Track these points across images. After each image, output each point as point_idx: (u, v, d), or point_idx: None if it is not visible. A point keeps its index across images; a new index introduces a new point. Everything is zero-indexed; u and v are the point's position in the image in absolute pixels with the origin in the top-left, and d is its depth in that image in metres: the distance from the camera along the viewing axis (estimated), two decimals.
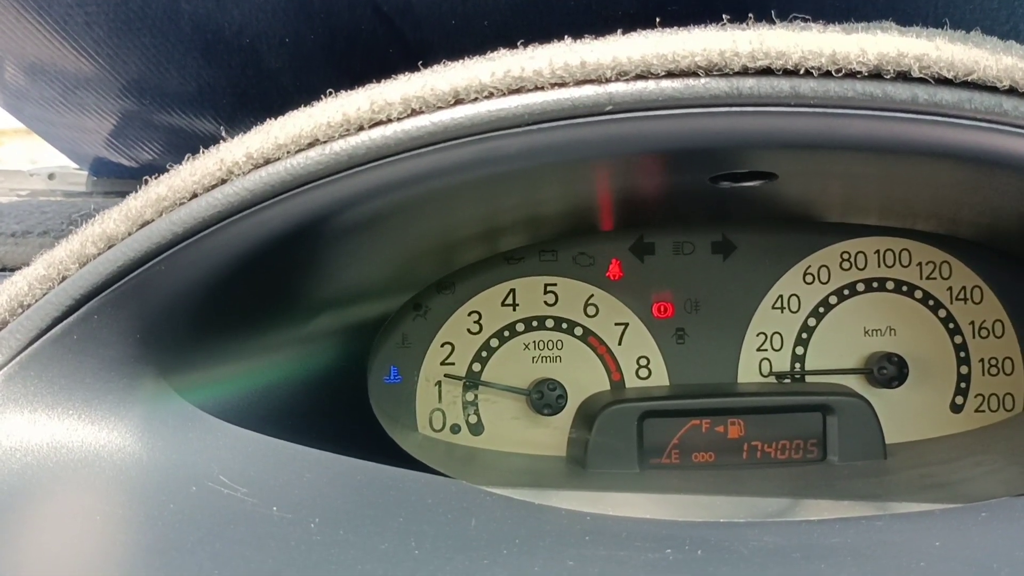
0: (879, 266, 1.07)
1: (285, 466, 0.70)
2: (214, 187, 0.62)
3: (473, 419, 1.07)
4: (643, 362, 1.07)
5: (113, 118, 1.26)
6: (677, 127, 0.61)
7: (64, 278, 0.63)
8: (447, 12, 0.96)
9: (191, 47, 1.06)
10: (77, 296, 0.63)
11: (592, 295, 1.07)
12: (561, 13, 0.95)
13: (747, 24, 0.63)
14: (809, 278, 1.07)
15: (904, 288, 1.07)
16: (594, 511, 0.73)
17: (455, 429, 1.07)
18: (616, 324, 1.07)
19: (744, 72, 0.59)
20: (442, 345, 1.07)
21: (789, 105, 0.60)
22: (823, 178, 0.84)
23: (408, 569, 0.57)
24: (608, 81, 0.60)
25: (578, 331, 1.07)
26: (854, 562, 0.60)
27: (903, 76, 0.59)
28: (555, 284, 1.07)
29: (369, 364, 1.05)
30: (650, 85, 0.59)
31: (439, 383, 1.07)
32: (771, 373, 1.07)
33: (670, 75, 0.59)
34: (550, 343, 1.07)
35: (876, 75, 0.59)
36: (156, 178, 0.66)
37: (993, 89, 0.59)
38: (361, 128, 0.61)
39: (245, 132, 0.66)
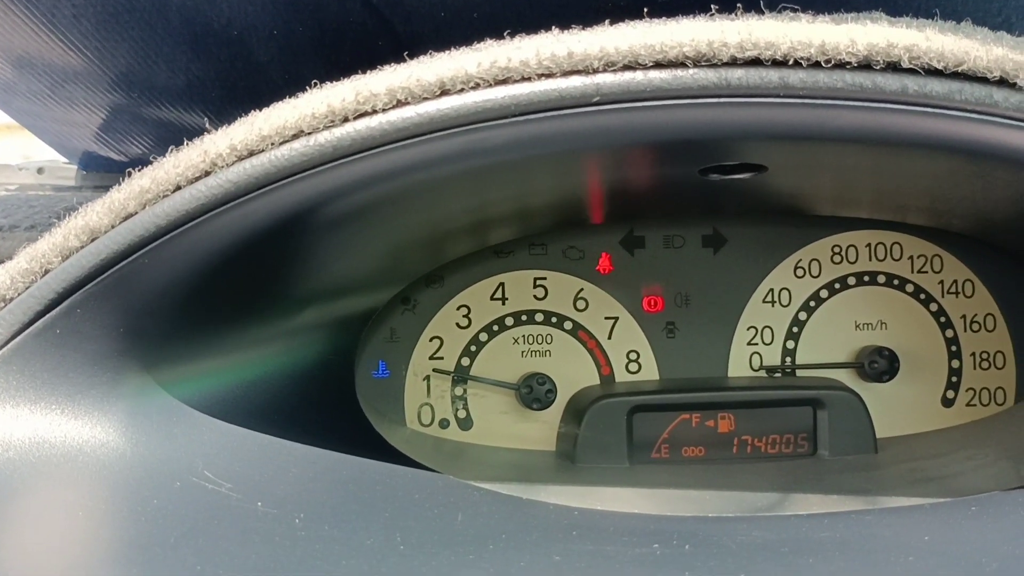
0: (870, 260, 1.07)
1: (270, 461, 0.70)
2: (198, 179, 0.62)
3: (462, 414, 1.07)
4: (633, 356, 1.07)
5: (102, 112, 1.25)
6: (665, 118, 0.61)
7: (47, 271, 0.63)
8: (437, 4, 0.96)
9: (180, 40, 1.06)
10: (60, 290, 0.62)
11: (582, 289, 1.07)
12: (552, 5, 0.94)
13: (736, 14, 0.63)
14: (800, 272, 1.07)
15: (895, 282, 1.07)
16: (583, 506, 0.73)
17: (444, 424, 1.07)
18: (606, 318, 1.07)
19: (732, 63, 0.59)
20: (431, 339, 1.06)
21: (778, 96, 0.59)
22: (813, 170, 0.84)
23: (392, 564, 0.57)
24: (595, 72, 0.59)
25: (568, 325, 1.07)
26: (842, 556, 0.60)
27: (893, 67, 0.59)
28: (545, 278, 1.07)
29: (357, 358, 1.05)
30: (638, 76, 0.59)
31: (428, 377, 1.06)
32: (762, 367, 1.07)
33: (658, 66, 0.59)
34: (539, 337, 1.07)
35: (866, 66, 0.59)
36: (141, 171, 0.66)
37: (983, 80, 0.59)
38: (346, 119, 0.61)
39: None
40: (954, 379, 1.07)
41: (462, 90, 0.60)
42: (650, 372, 1.07)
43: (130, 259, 0.62)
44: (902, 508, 0.76)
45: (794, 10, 0.63)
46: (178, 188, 0.62)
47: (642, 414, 0.98)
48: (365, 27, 1.02)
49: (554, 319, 1.07)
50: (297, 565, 0.56)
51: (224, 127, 0.66)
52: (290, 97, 0.66)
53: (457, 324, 1.07)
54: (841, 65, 0.59)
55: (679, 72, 0.59)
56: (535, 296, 1.07)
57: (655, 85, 0.59)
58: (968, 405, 1.07)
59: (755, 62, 0.59)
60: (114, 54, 1.09)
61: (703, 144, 0.69)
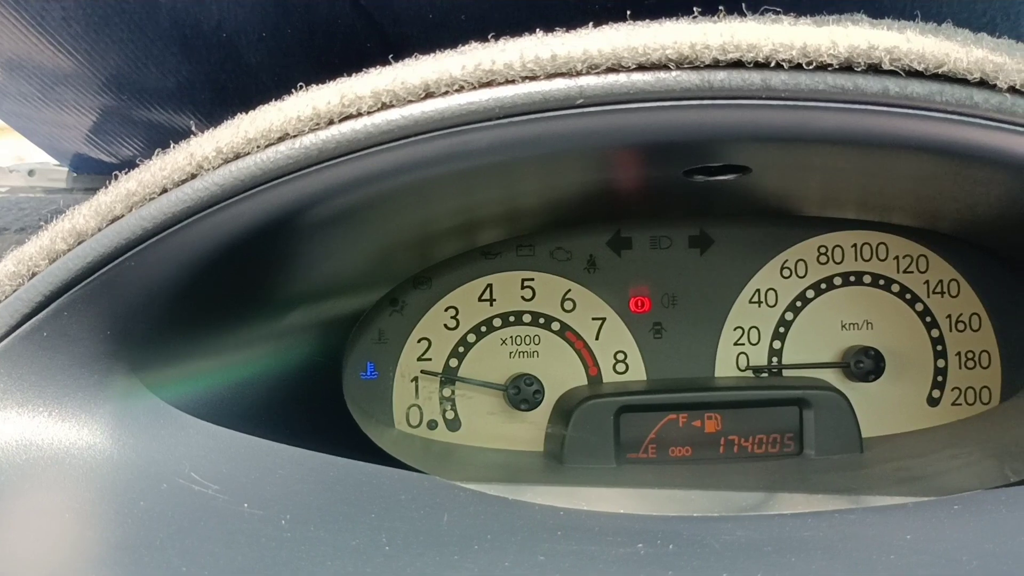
0: (856, 260, 1.07)
1: (257, 462, 0.70)
2: (184, 182, 0.62)
3: (450, 415, 1.07)
4: (620, 356, 1.08)
5: (92, 114, 1.25)
6: (649, 120, 0.61)
7: (34, 274, 0.63)
8: (425, 6, 0.96)
9: (169, 43, 1.06)
10: (47, 292, 0.62)
11: (569, 290, 1.08)
12: (539, 6, 0.94)
13: (718, 17, 0.63)
14: (786, 272, 1.08)
15: (881, 282, 1.08)
16: (569, 506, 0.73)
17: (432, 425, 1.07)
18: (593, 319, 1.08)
19: (715, 65, 0.59)
20: (419, 341, 1.07)
21: (760, 98, 0.59)
22: (798, 171, 0.84)
23: (377, 565, 0.57)
24: (579, 74, 0.59)
25: (555, 326, 1.07)
26: (824, 555, 0.61)
27: (874, 68, 0.59)
28: (532, 279, 1.07)
29: (345, 360, 1.05)
30: (621, 78, 0.59)
31: (416, 379, 1.07)
32: (748, 367, 1.08)
33: (641, 68, 0.59)
34: (527, 338, 1.07)
35: (847, 67, 0.59)
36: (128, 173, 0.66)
37: (964, 81, 0.59)
38: (331, 122, 0.61)
39: None
40: (940, 379, 1.07)
41: (446, 93, 0.60)
42: (637, 372, 1.08)
43: (117, 262, 0.62)
44: (885, 507, 0.76)
45: (776, 12, 0.64)
46: (164, 191, 0.62)
47: (629, 414, 0.99)
48: (354, 29, 1.02)
49: (542, 320, 1.07)
50: (283, 566, 0.56)
51: (211, 129, 0.66)
52: (279, 98, 0.66)
53: (445, 325, 1.07)
54: (823, 67, 0.59)
55: (662, 74, 0.59)
56: (523, 297, 1.07)
57: (638, 87, 0.59)
58: (954, 404, 1.07)
59: (737, 64, 0.59)
60: (104, 56, 1.09)
61: (687, 146, 0.69)
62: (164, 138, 1.27)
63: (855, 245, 1.07)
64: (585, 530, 0.67)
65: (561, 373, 1.07)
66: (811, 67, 0.59)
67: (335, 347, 1.03)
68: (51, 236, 0.63)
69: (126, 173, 0.67)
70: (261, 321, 0.81)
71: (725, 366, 1.08)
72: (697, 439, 0.99)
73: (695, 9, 0.64)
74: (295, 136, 0.61)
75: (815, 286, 1.08)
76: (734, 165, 0.76)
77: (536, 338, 1.07)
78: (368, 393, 1.06)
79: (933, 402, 1.07)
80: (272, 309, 0.82)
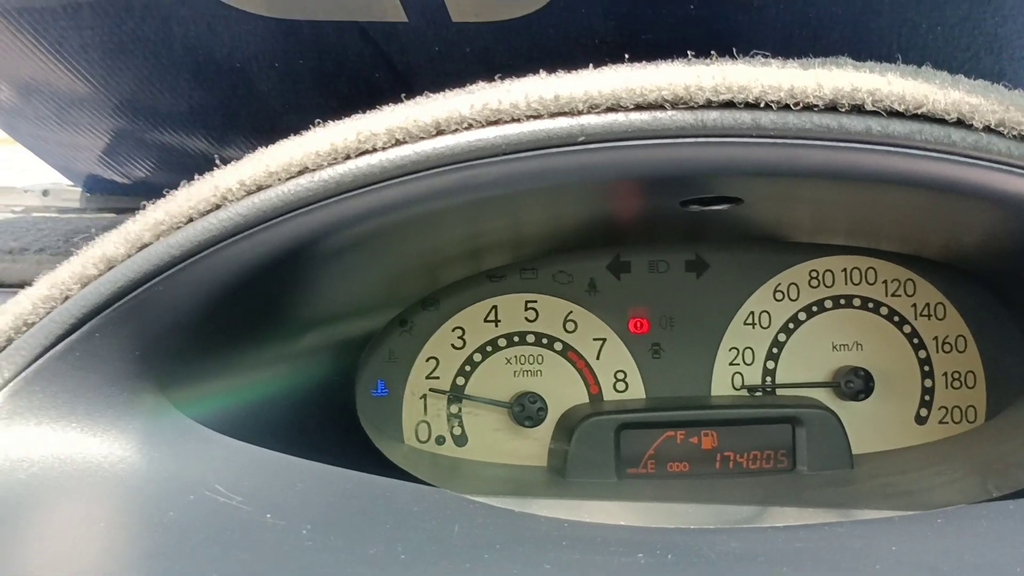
0: (846, 284, 1.09)
1: (278, 476, 0.72)
2: (209, 212, 0.64)
3: (457, 431, 1.08)
4: (620, 376, 1.09)
5: (106, 136, 1.26)
6: (645, 156, 0.64)
7: (67, 298, 0.65)
8: (432, 38, 0.98)
9: (183, 69, 1.08)
10: (79, 315, 0.65)
11: (571, 311, 1.09)
12: (539, 40, 0.97)
13: (711, 60, 0.66)
14: (779, 295, 1.09)
15: (870, 305, 1.09)
16: (572, 519, 0.75)
17: (440, 440, 1.08)
18: (594, 339, 1.09)
19: (708, 105, 0.62)
20: (427, 360, 1.08)
21: (751, 136, 0.62)
22: (788, 202, 0.86)
23: (394, 572, 0.59)
24: (580, 113, 0.63)
25: (558, 346, 1.09)
26: (814, 566, 0.63)
27: (857, 109, 0.62)
28: (535, 301, 1.09)
29: (357, 378, 1.06)
30: (620, 117, 0.62)
31: (424, 396, 1.08)
32: (743, 386, 1.09)
33: (639, 108, 0.62)
34: (531, 358, 1.09)
35: (832, 108, 0.62)
36: (149, 197, 0.68)
37: (942, 121, 0.63)
38: (348, 157, 0.63)
39: (235, 151, 0.68)
40: (927, 398, 1.08)
41: (456, 130, 0.63)
42: (637, 391, 1.09)
43: (145, 287, 0.64)
44: (873, 520, 0.78)
45: (765, 56, 0.66)
46: (190, 220, 0.65)
47: (629, 431, 1.00)
48: (363, 58, 1.04)
49: (545, 340, 1.09)
50: (306, 572, 0.58)
51: (228, 154, 0.68)
52: (290, 124, 0.68)
53: (452, 345, 1.08)
54: (809, 107, 0.62)
55: (658, 114, 0.62)
56: (526, 318, 1.09)
57: (636, 126, 0.62)
58: (940, 423, 1.08)
59: (729, 105, 0.62)
60: (119, 81, 1.11)
61: (682, 179, 0.72)
62: (176, 160, 1.30)
63: (845, 270, 1.09)
64: (588, 541, 0.69)
65: (564, 391, 1.08)
66: (798, 108, 0.62)
67: (348, 366, 1.04)
68: (82, 262, 0.66)
69: (148, 196, 0.69)
70: (279, 342, 0.83)
71: (721, 385, 1.09)
72: (694, 455, 1.01)
73: (689, 52, 0.67)
74: (314, 170, 0.64)
75: (807, 309, 1.09)
76: (727, 196, 0.78)
77: (540, 357, 1.09)
78: (379, 410, 1.07)
79: (920, 420, 1.08)
80: (289, 331, 0.84)
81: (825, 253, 1.09)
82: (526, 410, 1.07)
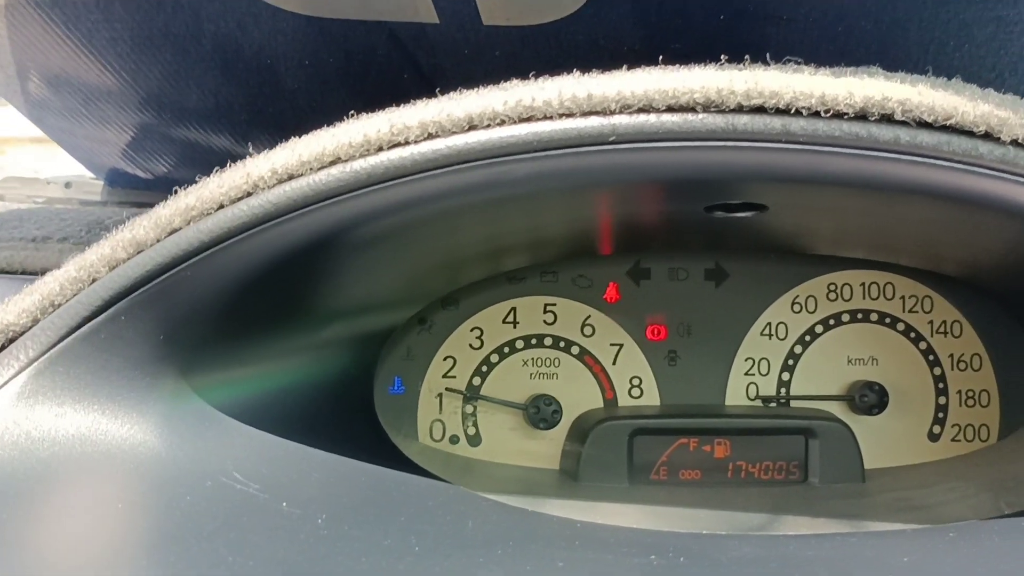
0: (864, 298, 1.09)
1: (294, 465, 0.73)
2: (240, 199, 0.65)
3: (472, 431, 1.09)
4: (636, 382, 1.10)
5: (131, 130, 1.27)
6: (675, 158, 0.64)
7: (94, 280, 0.65)
8: (460, 41, 0.99)
9: (211, 65, 1.09)
10: (106, 297, 0.65)
11: (589, 316, 1.10)
12: (569, 46, 0.97)
13: (744, 65, 0.66)
14: (797, 307, 1.10)
15: (887, 320, 1.09)
16: (584, 520, 0.75)
17: (454, 439, 1.09)
18: (611, 344, 1.10)
19: (739, 109, 0.62)
20: (444, 359, 1.09)
21: (780, 141, 0.63)
22: (812, 211, 0.87)
23: (409, 563, 0.60)
24: (612, 113, 0.63)
25: (575, 350, 1.09)
26: (827, 573, 0.63)
27: (887, 118, 0.62)
28: (554, 304, 1.10)
29: (375, 374, 1.07)
30: (651, 118, 0.63)
31: (440, 395, 1.09)
32: (757, 397, 1.09)
33: (670, 109, 0.63)
34: (548, 360, 1.09)
35: (862, 116, 0.62)
36: (170, 192, 0.68)
37: (970, 133, 0.63)
38: (380, 149, 0.64)
39: (259, 148, 0.68)
40: (940, 415, 1.09)
41: (488, 126, 0.63)
42: (651, 397, 1.09)
43: (173, 271, 0.65)
44: (885, 532, 0.79)
45: (797, 63, 0.67)
46: (221, 207, 0.65)
47: (643, 437, 1.01)
48: (390, 59, 1.05)
49: (562, 343, 1.09)
50: (321, 559, 0.59)
51: (252, 151, 0.68)
52: (315, 122, 0.68)
53: (470, 345, 1.09)
54: (839, 115, 0.62)
55: (689, 116, 0.62)
56: (545, 321, 1.09)
57: (667, 127, 0.62)
58: (953, 440, 1.08)
59: (760, 109, 0.62)
60: (147, 76, 1.12)
61: (709, 183, 0.72)
62: (198, 156, 1.30)
63: (863, 284, 1.09)
64: (601, 541, 0.70)
65: (579, 395, 1.09)
66: (828, 115, 0.62)
67: (368, 361, 1.05)
68: (112, 245, 0.66)
69: (169, 190, 0.69)
70: (301, 333, 0.84)
71: (735, 395, 1.09)
72: (707, 463, 1.01)
73: (722, 56, 0.67)
74: (346, 160, 0.64)
75: (824, 322, 1.09)
76: (752, 203, 0.79)
77: (556, 361, 1.09)
78: (395, 407, 1.08)
79: (934, 437, 1.09)
80: (311, 322, 0.84)
81: (844, 267, 1.09)
82: (541, 412, 1.08)
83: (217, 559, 0.57)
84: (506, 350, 1.09)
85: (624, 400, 1.10)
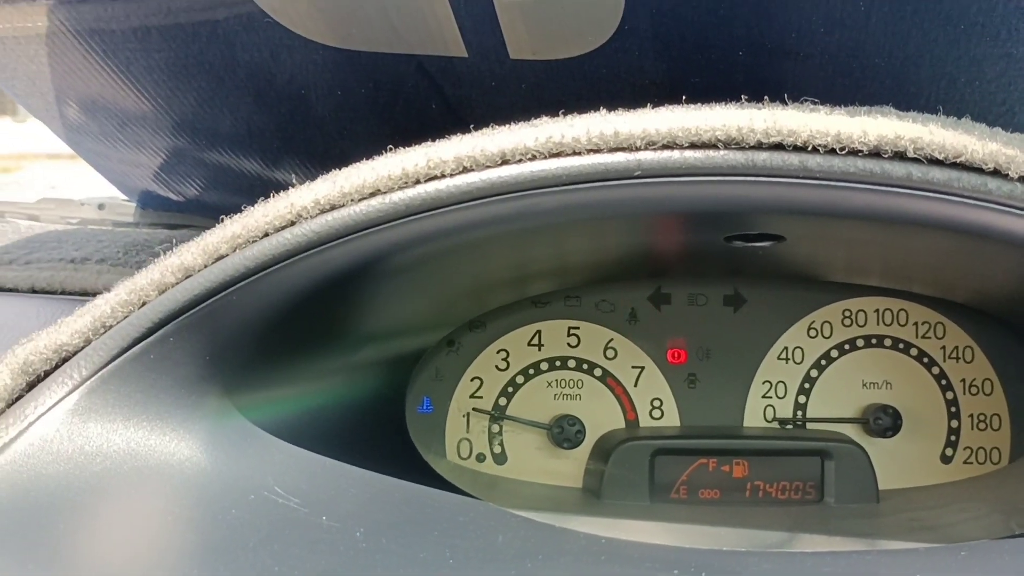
0: (878, 324, 1.10)
1: (332, 482, 0.75)
2: (284, 228, 0.67)
3: (497, 449, 1.10)
4: (656, 403, 1.11)
5: (164, 154, 1.29)
6: (697, 192, 0.67)
7: (144, 303, 0.68)
8: (487, 73, 1.01)
9: (244, 93, 1.11)
10: (155, 320, 0.67)
11: (612, 339, 1.11)
12: (592, 80, 0.99)
13: (763, 104, 0.69)
14: (813, 332, 1.11)
15: (901, 345, 1.10)
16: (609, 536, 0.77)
17: (480, 458, 1.10)
18: (633, 367, 1.11)
19: (758, 146, 0.65)
20: (472, 379, 1.10)
21: (797, 177, 0.65)
22: (827, 242, 0.88)
23: (445, 574, 0.62)
24: (638, 149, 0.65)
25: (597, 372, 1.11)
26: None
27: (899, 156, 0.64)
28: (578, 327, 1.11)
29: (406, 394, 1.09)
30: (675, 155, 0.65)
31: (467, 415, 1.10)
32: (775, 419, 1.10)
33: (693, 146, 0.65)
34: (571, 382, 1.10)
35: (875, 154, 0.64)
36: (200, 215, 0.71)
37: (979, 170, 0.65)
38: (418, 182, 0.66)
39: (285, 173, 0.70)
40: (953, 438, 1.09)
41: (520, 160, 0.66)
42: (672, 419, 1.10)
43: (219, 296, 0.67)
44: (899, 551, 0.80)
45: (814, 103, 0.69)
46: (266, 235, 0.67)
47: (663, 457, 1.02)
48: (418, 90, 1.06)
49: (585, 366, 1.11)
50: (361, 570, 0.61)
51: (279, 175, 0.71)
52: (343, 149, 0.71)
53: (496, 366, 1.10)
54: (854, 152, 0.64)
55: (711, 153, 0.65)
56: (568, 344, 1.11)
57: (690, 163, 0.65)
58: (965, 463, 1.09)
59: (778, 147, 0.65)
60: (182, 103, 1.14)
61: (729, 215, 0.74)
62: (229, 180, 1.33)
63: (877, 310, 1.10)
64: (625, 556, 0.71)
65: (601, 416, 1.10)
66: (844, 152, 0.64)
67: (399, 382, 1.07)
68: (161, 270, 0.68)
69: (189, 211, 0.71)
70: (337, 355, 0.86)
71: (753, 417, 1.10)
72: (725, 483, 1.02)
73: (742, 96, 0.70)
74: (386, 192, 0.66)
75: (839, 346, 1.11)
76: (770, 234, 0.80)
77: (580, 382, 1.10)
78: (424, 426, 1.09)
79: (946, 460, 1.09)
80: (347, 345, 0.86)
81: (858, 294, 1.10)
82: (565, 432, 1.09)
83: (263, 569, 0.59)
84: (531, 371, 1.11)
85: (645, 421, 1.11)
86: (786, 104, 0.69)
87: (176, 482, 0.67)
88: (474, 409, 1.11)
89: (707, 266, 1.06)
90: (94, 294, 0.71)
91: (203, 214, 1.43)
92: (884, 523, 0.96)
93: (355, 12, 0.94)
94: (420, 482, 0.81)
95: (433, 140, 0.71)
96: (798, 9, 0.87)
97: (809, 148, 0.65)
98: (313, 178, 0.71)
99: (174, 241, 0.73)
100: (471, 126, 0.72)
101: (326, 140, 1.17)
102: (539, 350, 1.11)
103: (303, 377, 0.82)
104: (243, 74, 1.08)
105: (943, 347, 1.10)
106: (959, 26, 0.89)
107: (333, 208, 0.67)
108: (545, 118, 0.71)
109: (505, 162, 0.66)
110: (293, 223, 0.68)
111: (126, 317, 0.68)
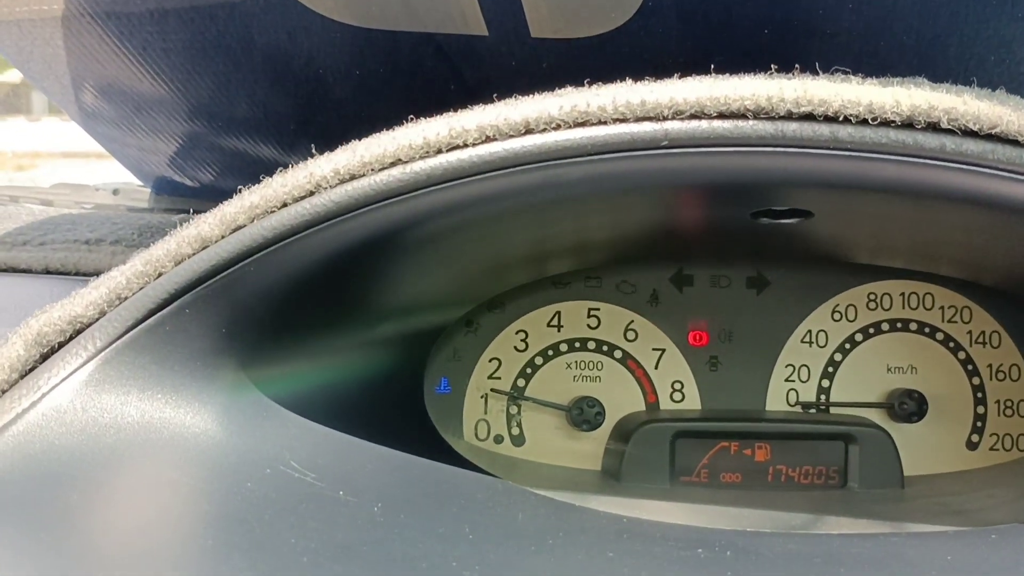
0: (903, 308, 1.10)
1: (349, 457, 0.74)
2: (303, 198, 0.66)
3: (515, 431, 1.10)
4: (677, 386, 1.10)
5: (180, 139, 1.29)
6: (725, 163, 0.66)
7: (160, 274, 0.67)
8: (507, 53, 1.00)
9: (261, 75, 1.10)
10: (171, 291, 0.66)
11: (632, 321, 1.10)
12: (615, 59, 0.98)
13: (793, 74, 0.67)
14: (837, 315, 1.10)
15: (926, 330, 1.09)
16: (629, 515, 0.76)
17: (498, 439, 1.10)
18: (654, 349, 1.10)
19: (788, 116, 0.64)
20: (490, 360, 1.10)
21: (828, 148, 0.64)
22: (856, 219, 0.87)
23: (464, 550, 0.61)
24: (665, 119, 0.64)
25: (618, 354, 1.10)
26: (871, 570, 0.64)
27: (933, 127, 0.63)
28: (598, 309, 1.11)
29: (425, 373, 1.09)
30: (703, 124, 0.64)
31: (485, 396, 1.10)
32: (797, 403, 1.10)
33: (721, 116, 0.64)
34: (591, 364, 1.10)
35: (908, 125, 0.63)
36: (215, 200, 0.69)
37: (1015, 142, 0.63)
38: (439, 151, 0.65)
39: (300, 158, 0.70)
40: (979, 424, 1.09)
41: (544, 130, 0.65)
42: (693, 402, 1.10)
43: (237, 267, 0.66)
44: (927, 533, 0.79)
45: (845, 72, 0.68)
46: (284, 205, 0.66)
47: (684, 439, 1.01)
48: (436, 71, 1.06)
49: (605, 347, 1.10)
50: (379, 543, 0.60)
51: (297, 160, 0.70)
52: (361, 132, 0.70)
53: (515, 347, 1.10)
54: (886, 123, 0.63)
55: (740, 123, 0.64)
56: (588, 325, 1.10)
57: (718, 133, 0.64)
58: (991, 449, 1.08)
59: (809, 117, 0.63)
60: (198, 86, 1.14)
61: (757, 188, 0.73)
62: (245, 166, 1.32)
63: (903, 294, 1.10)
64: (648, 536, 0.71)
65: (621, 398, 1.10)
66: (875, 123, 0.63)
67: (417, 360, 1.06)
68: (177, 241, 0.67)
69: (204, 197, 0.70)
70: (354, 331, 0.85)
71: (776, 400, 1.10)
72: (747, 467, 1.02)
73: (772, 66, 0.69)
74: (407, 162, 0.65)
75: (864, 330, 1.10)
76: (799, 209, 0.80)
77: (599, 364, 1.10)
78: (441, 406, 1.09)
79: (972, 446, 1.09)
80: (364, 321, 0.86)
81: (884, 276, 1.10)
82: (584, 414, 1.09)
83: (280, 541, 0.59)
84: (550, 353, 1.10)
85: (666, 404, 1.10)
86: (816, 75, 0.68)
87: (190, 454, 0.66)
88: (492, 390, 1.10)
89: (730, 247, 1.06)
90: None
91: (218, 200, 1.42)
92: (910, 507, 0.95)
93: None
94: (438, 461, 0.80)
95: None
96: None
97: (840, 118, 0.63)
98: None
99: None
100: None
101: (344, 123, 1.17)
102: (559, 331, 1.11)
103: (320, 352, 0.82)
104: (260, 56, 1.08)
105: (969, 332, 1.10)
106: (988, 4, 0.88)
107: (353, 178, 0.66)
108: (570, 88, 0.70)
109: (529, 131, 0.65)
110: (312, 193, 0.66)
111: (141, 288, 0.67)
